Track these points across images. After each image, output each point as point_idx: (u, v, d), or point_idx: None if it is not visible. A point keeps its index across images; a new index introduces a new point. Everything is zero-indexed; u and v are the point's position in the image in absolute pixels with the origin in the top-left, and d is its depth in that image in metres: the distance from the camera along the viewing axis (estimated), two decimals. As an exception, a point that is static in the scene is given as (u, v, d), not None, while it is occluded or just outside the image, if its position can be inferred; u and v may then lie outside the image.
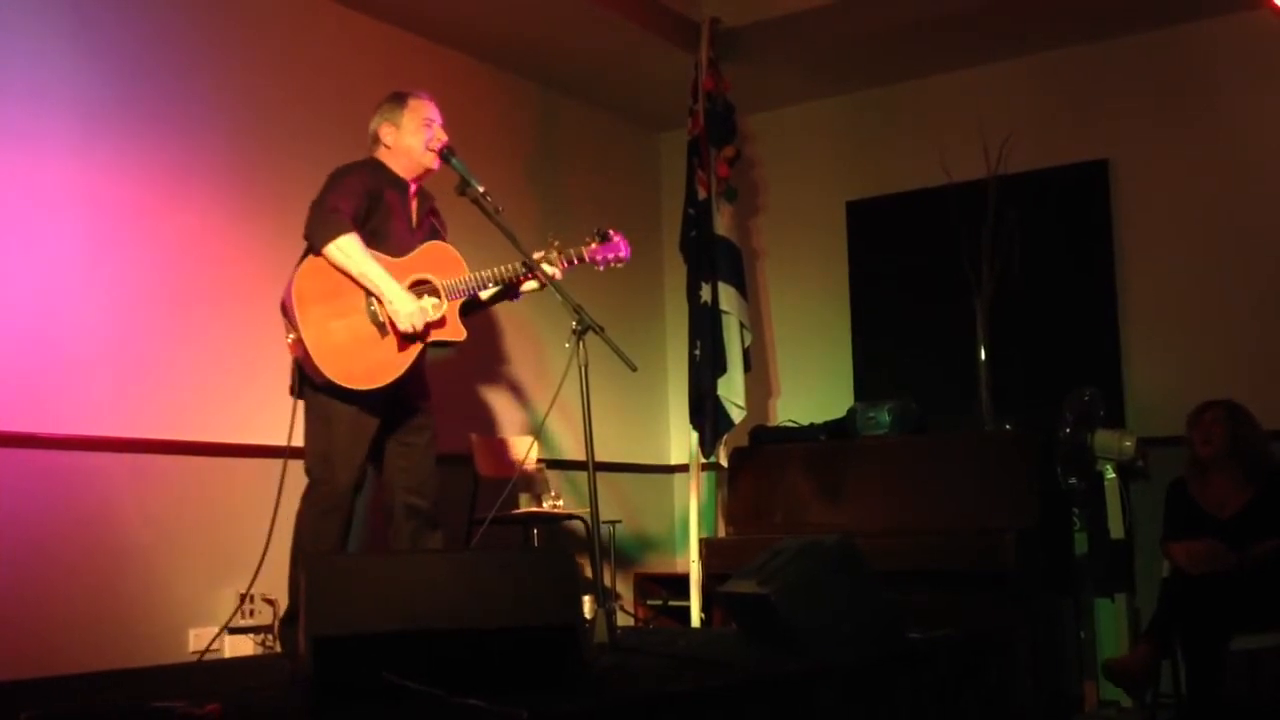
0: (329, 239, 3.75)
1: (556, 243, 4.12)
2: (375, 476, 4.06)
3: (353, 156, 4.11)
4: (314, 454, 3.85)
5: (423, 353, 3.89)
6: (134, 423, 4.23)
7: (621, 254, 4.18)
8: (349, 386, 3.75)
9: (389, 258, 3.86)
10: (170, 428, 4.33)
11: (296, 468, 3.90)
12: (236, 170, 4.66)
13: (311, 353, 3.71)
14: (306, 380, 3.82)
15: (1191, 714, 4.37)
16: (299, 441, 3.87)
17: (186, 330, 4.44)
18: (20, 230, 4.03)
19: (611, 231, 4.18)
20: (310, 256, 3.81)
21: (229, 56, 4.70)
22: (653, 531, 6.39)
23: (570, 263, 4.12)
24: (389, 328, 3.81)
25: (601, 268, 4.19)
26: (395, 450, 3.97)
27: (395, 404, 3.91)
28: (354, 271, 3.77)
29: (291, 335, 3.75)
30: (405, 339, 3.83)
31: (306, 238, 3.81)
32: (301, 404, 3.89)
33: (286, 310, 3.77)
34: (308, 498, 3.86)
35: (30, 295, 4.03)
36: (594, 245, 4.15)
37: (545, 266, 4.04)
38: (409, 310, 3.80)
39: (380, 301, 3.80)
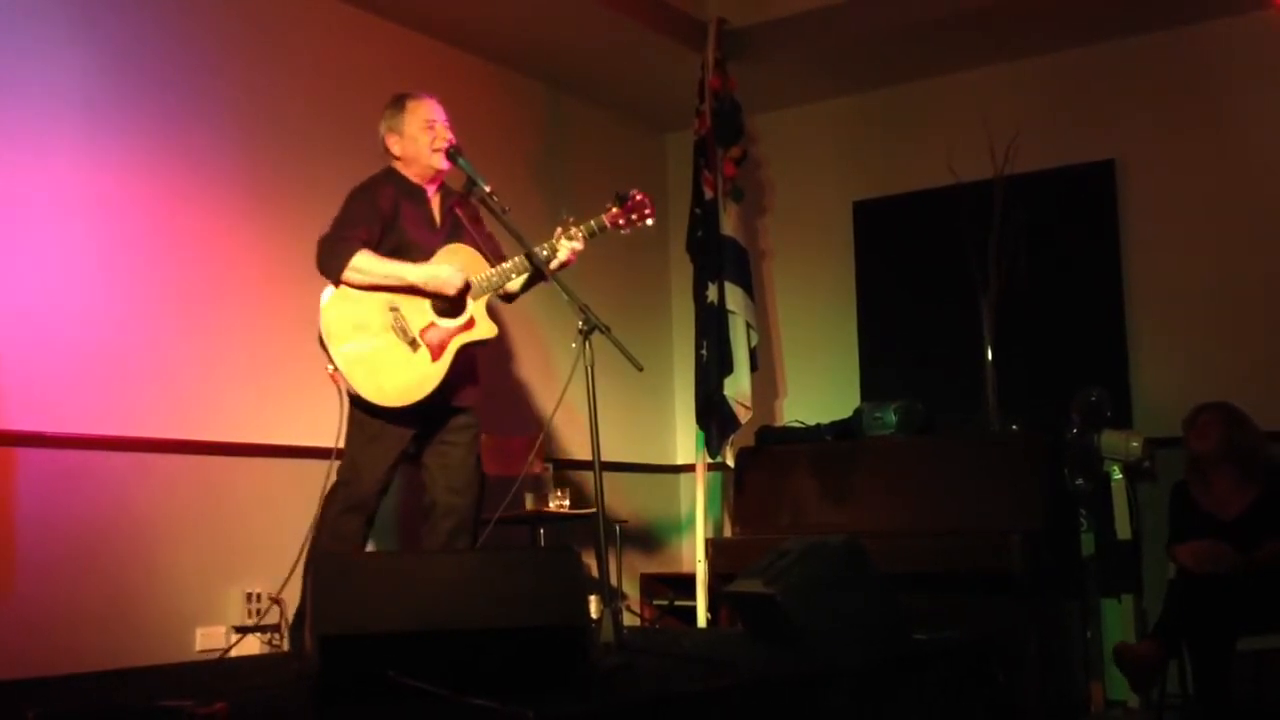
0: (342, 267, 3.80)
1: (571, 218, 4.06)
2: (413, 476, 4.07)
3: (361, 155, 4.12)
4: (346, 457, 3.90)
5: (458, 358, 3.90)
6: (142, 422, 4.24)
7: (646, 212, 4.12)
8: (386, 405, 3.79)
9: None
10: (178, 427, 4.34)
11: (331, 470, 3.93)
12: (244, 169, 4.67)
13: (349, 380, 3.77)
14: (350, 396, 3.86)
15: (1198, 714, 4.37)
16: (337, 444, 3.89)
17: (195, 329, 4.44)
18: (30, 230, 4.04)
19: (633, 190, 4.11)
20: (331, 289, 3.83)
21: (236, 56, 4.71)
22: (659, 531, 6.39)
23: (592, 235, 4.07)
24: (419, 341, 3.83)
25: (627, 230, 4.13)
26: (437, 450, 4.00)
27: (435, 412, 3.93)
28: (378, 280, 3.81)
29: (331, 366, 3.79)
30: (442, 338, 3.84)
31: (321, 273, 3.84)
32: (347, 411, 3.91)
33: (323, 345, 3.81)
34: (330, 496, 3.89)
35: (40, 295, 4.03)
36: (614, 210, 4.09)
37: (566, 241, 4.01)
38: (447, 276, 3.83)
39: (417, 295, 3.82)
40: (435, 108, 4.04)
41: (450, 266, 3.87)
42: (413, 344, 3.83)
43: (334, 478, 3.89)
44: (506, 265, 3.98)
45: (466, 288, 3.88)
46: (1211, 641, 4.28)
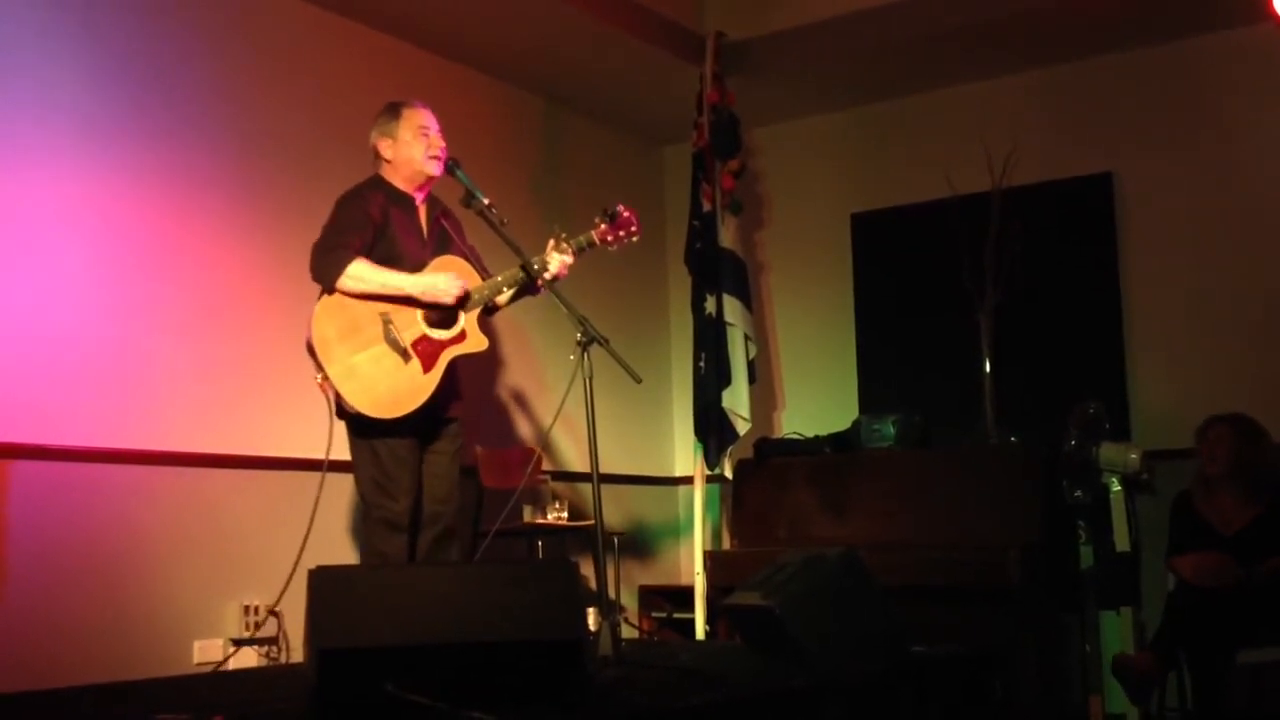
0: (337, 274, 3.80)
1: (563, 233, 4.09)
2: None
3: (359, 170, 4.13)
4: (365, 480, 3.91)
5: (449, 370, 3.91)
6: (139, 435, 4.24)
7: (634, 228, 4.16)
8: (379, 416, 3.79)
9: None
10: (175, 440, 4.34)
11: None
12: (242, 184, 4.68)
13: (340, 389, 3.77)
14: (343, 411, 3.86)
15: (1196, 728, 4.36)
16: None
17: (191, 343, 4.45)
18: (28, 245, 4.04)
19: (620, 208, 4.14)
20: (324, 296, 3.83)
21: (235, 71, 4.72)
22: (657, 544, 6.39)
23: (581, 250, 4.10)
24: (411, 353, 3.84)
25: (614, 247, 4.16)
26: (426, 459, 4.00)
27: (429, 421, 3.94)
28: (374, 289, 3.81)
29: (320, 375, 3.79)
30: (434, 350, 3.84)
31: (315, 280, 3.84)
32: (341, 425, 3.91)
33: (312, 352, 3.81)
34: (367, 521, 3.91)
35: (37, 309, 4.04)
36: (603, 226, 4.13)
37: (556, 255, 4.03)
38: (445, 286, 3.84)
39: (411, 305, 3.83)
40: (429, 116, 4.07)
41: (448, 275, 3.88)
42: (404, 354, 3.84)
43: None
44: (498, 278, 3.99)
45: (465, 297, 3.89)
46: (1210, 653, 4.28)
